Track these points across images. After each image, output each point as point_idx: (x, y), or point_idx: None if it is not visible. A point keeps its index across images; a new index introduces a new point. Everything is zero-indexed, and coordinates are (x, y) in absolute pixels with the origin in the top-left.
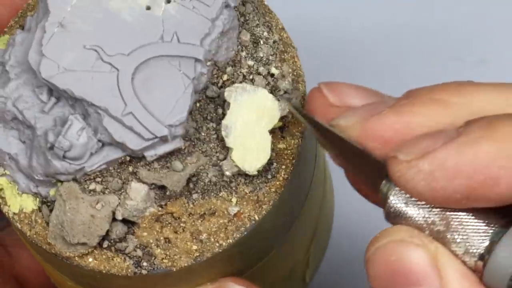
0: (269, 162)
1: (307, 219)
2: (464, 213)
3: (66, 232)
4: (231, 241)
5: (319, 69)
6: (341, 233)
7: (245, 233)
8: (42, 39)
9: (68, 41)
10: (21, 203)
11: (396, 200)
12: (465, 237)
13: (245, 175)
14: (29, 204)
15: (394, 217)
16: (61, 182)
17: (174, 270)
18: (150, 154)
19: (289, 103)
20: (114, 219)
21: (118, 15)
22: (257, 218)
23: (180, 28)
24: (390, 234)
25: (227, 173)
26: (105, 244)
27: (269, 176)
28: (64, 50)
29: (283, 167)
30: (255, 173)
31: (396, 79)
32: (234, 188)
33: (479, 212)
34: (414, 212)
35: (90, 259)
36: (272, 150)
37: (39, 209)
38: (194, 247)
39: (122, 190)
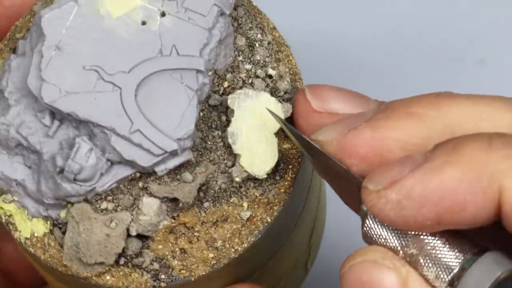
0: (276, 164)
1: (309, 213)
2: (438, 238)
3: (82, 253)
4: (246, 245)
5: (317, 66)
6: (333, 222)
7: (259, 236)
8: (41, 64)
9: (67, 63)
10: (32, 228)
11: (373, 223)
12: (437, 262)
13: (254, 179)
14: (40, 227)
15: (371, 238)
16: (72, 203)
17: (193, 279)
18: (160, 169)
19: (274, 115)
20: (128, 235)
21: (114, 33)
22: (269, 220)
23: (178, 40)
24: (365, 253)
25: (237, 179)
26: (122, 260)
27: (277, 177)
28: (64, 73)
29: (290, 166)
30: (265, 176)
31: (396, 79)
32: (244, 193)
33: (453, 238)
34: (389, 235)
35: (108, 277)
36: (278, 151)
37: (51, 232)
38: (211, 255)
39: (134, 206)
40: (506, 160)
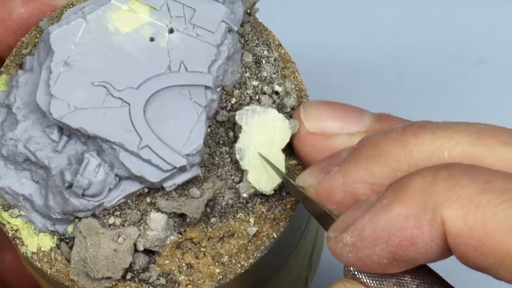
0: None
1: (312, 229)
2: (408, 279)
3: (89, 268)
4: (252, 261)
5: (321, 81)
6: None
7: (265, 251)
8: (49, 80)
9: (76, 79)
10: (38, 242)
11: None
12: None
13: (261, 195)
14: (47, 242)
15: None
16: (79, 218)
17: None
18: (169, 185)
19: (262, 156)
20: (135, 250)
21: (122, 49)
22: (275, 235)
23: (187, 56)
24: (337, 285)
25: (244, 195)
26: (129, 275)
27: (284, 194)
28: (72, 89)
29: None
30: (272, 192)
31: (396, 79)
32: (251, 209)
33: (422, 279)
34: (365, 278)
35: None
36: (285, 167)
37: (58, 247)
38: (217, 270)
39: (142, 221)
40: (447, 191)
